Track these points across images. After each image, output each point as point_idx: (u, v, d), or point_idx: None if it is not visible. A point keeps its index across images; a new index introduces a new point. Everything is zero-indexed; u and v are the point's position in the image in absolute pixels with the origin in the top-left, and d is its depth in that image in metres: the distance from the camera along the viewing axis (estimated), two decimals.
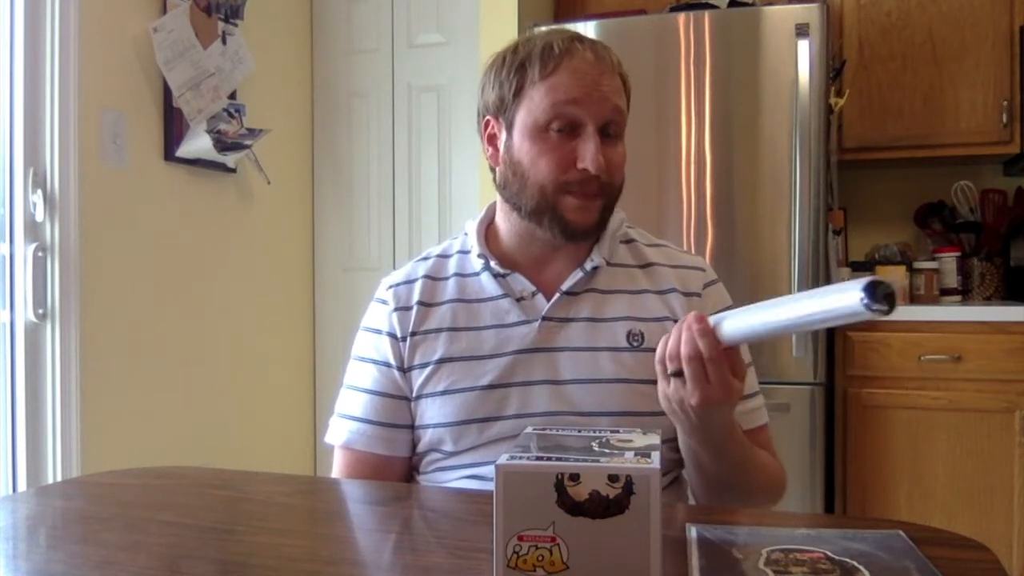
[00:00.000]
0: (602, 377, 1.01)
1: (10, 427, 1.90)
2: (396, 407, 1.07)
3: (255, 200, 2.64)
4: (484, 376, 1.02)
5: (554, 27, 1.04)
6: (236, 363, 2.55)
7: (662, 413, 1.03)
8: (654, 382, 1.02)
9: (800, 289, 2.13)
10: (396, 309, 1.08)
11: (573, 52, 1.02)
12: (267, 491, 0.94)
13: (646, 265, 1.10)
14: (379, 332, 1.09)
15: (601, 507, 0.57)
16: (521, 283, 1.06)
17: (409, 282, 1.11)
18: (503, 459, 0.59)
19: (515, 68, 1.04)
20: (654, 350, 1.02)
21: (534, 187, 1.02)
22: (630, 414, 1.00)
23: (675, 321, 1.05)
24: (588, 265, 1.06)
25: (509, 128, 1.05)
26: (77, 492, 0.97)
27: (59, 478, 1.92)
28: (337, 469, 1.09)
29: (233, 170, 2.49)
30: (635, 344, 1.03)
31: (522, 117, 1.03)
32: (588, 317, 1.04)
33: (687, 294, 1.08)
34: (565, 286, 1.05)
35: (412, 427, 1.07)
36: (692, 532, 0.71)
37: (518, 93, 1.03)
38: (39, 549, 0.75)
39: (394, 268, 2.77)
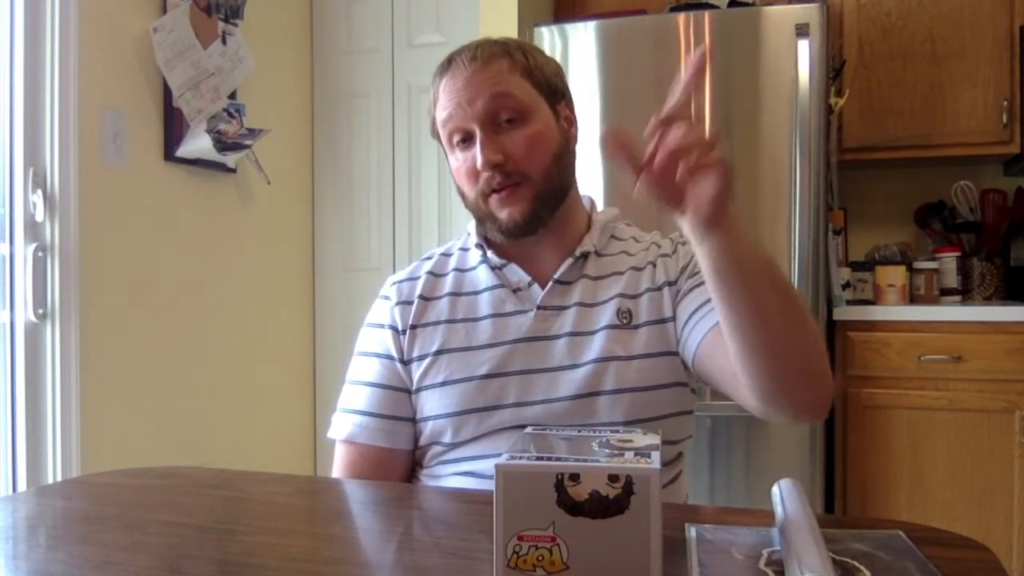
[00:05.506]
0: (598, 357, 1.02)
1: (10, 427, 1.90)
2: (398, 399, 1.08)
3: (255, 200, 2.64)
4: (481, 366, 1.03)
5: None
6: (236, 363, 2.55)
7: (654, 387, 1.03)
8: (645, 356, 1.03)
9: (799, 288, 2.13)
10: (398, 303, 1.11)
11: (447, 70, 1.06)
12: (267, 491, 0.94)
13: (627, 251, 1.13)
14: (381, 326, 1.11)
15: (601, 507, 0.56)
16: (517, 274, 1.09)
17: (412, 279, 1.14)
18: (503, 459, 0.59)
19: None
20: (646, 323, 1.04)
21: (470, 200, 1.08)
22: (626, 391, 1.01)
23: (658, 289, 1.06)
24: (578, 252, 1.08)
25: (444, 150, 1.11)
26: (77, 492, 0.97)
27: (59, 478, 1.91)
28: (338, 464, 1.10)
29: (233, 170, 2.49)
30: (624, 321, 1.05)
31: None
32: (580, 302, 1.06)
33: (663, 255, 1.10)
34: (557, 274, 1.07)
35: (414, 420, 1.08)
36: (692, 532, 0.71)
37: (433, 123, 1.10)
38: (39, 549, 0.75)
39: (394, 268, 2.78)
